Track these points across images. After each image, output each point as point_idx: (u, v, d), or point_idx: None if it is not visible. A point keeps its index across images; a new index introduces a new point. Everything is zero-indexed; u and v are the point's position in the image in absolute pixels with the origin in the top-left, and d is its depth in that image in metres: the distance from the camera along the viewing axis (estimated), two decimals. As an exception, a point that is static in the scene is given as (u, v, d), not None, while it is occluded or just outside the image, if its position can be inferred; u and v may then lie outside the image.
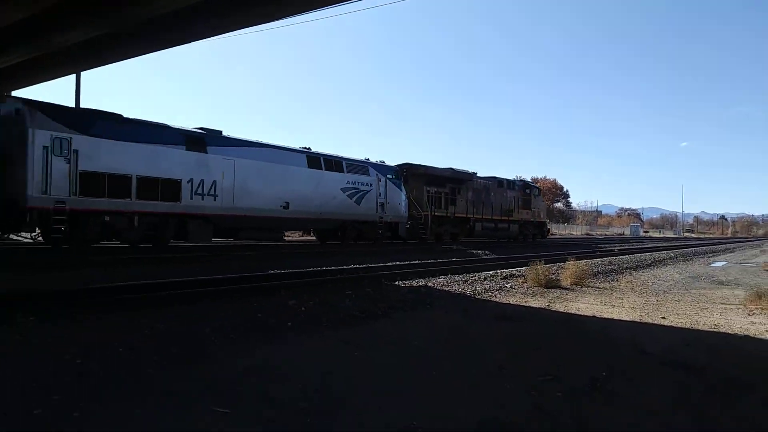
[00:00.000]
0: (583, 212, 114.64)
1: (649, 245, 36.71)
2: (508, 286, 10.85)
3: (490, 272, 13.00)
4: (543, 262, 11.98)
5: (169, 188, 15.80)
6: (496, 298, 9.44)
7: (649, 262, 19.58)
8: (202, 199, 16.64)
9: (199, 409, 3.61)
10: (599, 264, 16.90)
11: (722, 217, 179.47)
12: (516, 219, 33.76)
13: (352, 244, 22.50)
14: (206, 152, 16.94)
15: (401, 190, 25.00)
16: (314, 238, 24.37)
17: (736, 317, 8.04)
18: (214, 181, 16.91)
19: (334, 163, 21.81)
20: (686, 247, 34.25)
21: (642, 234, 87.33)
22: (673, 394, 4.38)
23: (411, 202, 25.65)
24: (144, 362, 4.66)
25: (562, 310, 8.36)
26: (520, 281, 11.46)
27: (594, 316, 7.86)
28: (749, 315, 8.28)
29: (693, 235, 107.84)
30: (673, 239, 68.60)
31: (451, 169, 29.01)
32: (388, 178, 24.22)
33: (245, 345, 5.43)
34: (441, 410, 3.85)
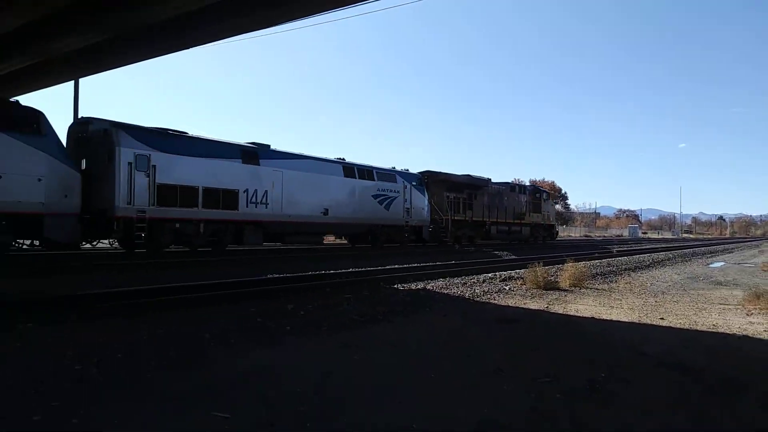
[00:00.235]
0: (582, 214, 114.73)
1: (648, 246, 36.75)
2: (507, 288, 10.87)
3: (489, 274, 13.03)
4: (542, 263, 12.02)
5: (229, 198, 17.52)
6: (495, 300, 9.46)
7: (648, 263, 19.63)
8: (256, 207, 18.36)
9: (199, 414, 3.63)
10: (598, 265, 16.94)
11: (720, 217, 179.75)
12: (527, 222, 35.27)
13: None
14: (259, 164, 18.68)
15: (424, 195, 26.60)
16: (345, 241, 26.05)
17: (734, 318, 8.06)
18: (266, 191, 18.70)
19: (365, 172, 23.57)
20: (684, 248, 34.29)
21: (640, 235, 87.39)
22: (672, 395, 4.40)
23: (433, 207, 27.14)
24: (143, 366, 4.67)
25: (560, 311, 8.38)
26: (519, 283, 11.48)
27: (592, 318, 7.88)
28: (747, 315, 8.30)
29: (691, 236, 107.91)
30: (671, 240, 68.66)
31: (468, 175, 30.64)
32: (413, 185, 25.86)
33: (246, 348, 5.45)
34: (440, 412, 3.86)
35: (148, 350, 5.19)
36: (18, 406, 3.68)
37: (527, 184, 37.75)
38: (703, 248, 36.34)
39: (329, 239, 27.77)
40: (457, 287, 10.76)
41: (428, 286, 10.80)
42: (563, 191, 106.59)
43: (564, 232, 76.52)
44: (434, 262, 15.95)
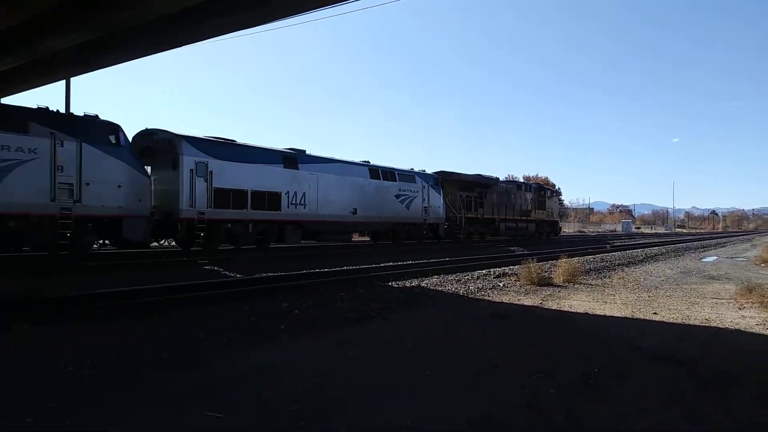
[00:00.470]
0: (576, 210, 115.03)
1: (641, 241, 36.95)
2: (501, 284, 10.89)
3: (483, 271, 13.05)
4: (535, 260, 12.05)
5: (273, 200, 19.17)
6: (489, 296, 9.47)
7: (641, 258, 19.71)
8: (296, 207, 20.08)
9: (195, 414, 3.62)
10: (591, 261, 17.00)
11: (713, 212, 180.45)
12: (533, 219, 37.06)
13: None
14: (297, 169, 20.32)
15: (440, 195, 28.24)
16: (368, 238, 27.53)
17: (727, 311, 8.11)
18: (304, 193, 20.39)
19: (389, 174, 25.29)
20: (677, 243, 34.46)
21: (634, 230, 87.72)
22: (665, 389, 4.41)
23: (447, 206, 28.75)
24: (140, 366, 4.65)
25: (554, 307, 8.40)
26: (513, 279, 11.51)
27: (586, 313, 7.90)
28: (740, 309, 8.36)
29: (684, 230, 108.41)
30: (664, 235, 69.00)
31: (479, 175, 32.48)
32: (430, 185, 27.50)
33: (240, 348, 5.43)
34: (436, 408, 3.87)
35: (145, 350, 5.17)
36: (16, 407, 3.68)
37: (527, 181, 40.19)
38: (695, 243, 36.54)
39: (354, 236, 29.50)
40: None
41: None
42: (557, 187, 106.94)
43: (558, 228, 76.67)
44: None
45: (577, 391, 4.24)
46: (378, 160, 25.97)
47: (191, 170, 16.50)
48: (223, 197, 17.35)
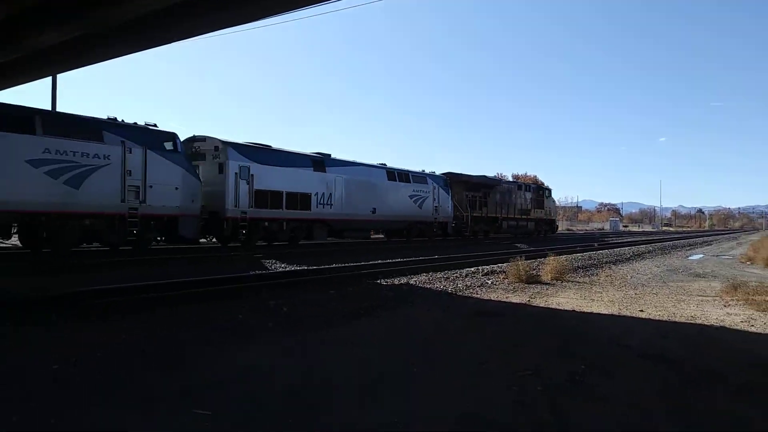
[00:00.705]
0: (564, 208, 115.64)
1: (629, 239, 37.26)
2: (489, 282, 10.93)
3: (472, 269, 13.10)
4: (524, 258, 12.11)
5: (305, 200, 20.91)
6: (477, 294, 9.51)
7: (628, 256, 19.87)
8: (323, 207, 21.76)
9: (183, 414, 3.60)
10: (579, 258, 17.12)
11: (699, 210, 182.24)
12: (532, 217, 38.65)
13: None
14: (325, 171, 22.04)
15: (449, 195, 30.03)
16: (382, 236, 29.17)
17: (712, 309, 8.20)
18: (330, 194, 22.06)
19: (403, 176, 27.09)
20: (664, 241, 34.78)
21: (621, 228, 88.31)
22: (651, 385, 4.46)
23: (455, 205, 30.46)
24: (125, 366, 4.62)
25: (542, 305, 8.45)
26: (501, 277, 11.56)
27: (574, 311, 7.95)
28: (725, 306, 8.46)
29: (671, 228, 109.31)
30: (651, 233, 69.53)
31: (483, 176, 34.96)
32: (440, 186, 29.26)
33: (226, 347, 5.41)
34: (423, 406, 3.87)
35: (130, 349, 5.14)
36: (1, 406, 3.65)
37: (526, 182, 42.65)
38: (682, 241, 36.91)
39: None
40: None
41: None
42: (545, 185, 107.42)
43: (546, 226, 77.00)
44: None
45: (563, 389, 4.26)
46: (371, 156, 26.86)
47: (236, 173, 18.17)
48: (262, 198, 18.99)
